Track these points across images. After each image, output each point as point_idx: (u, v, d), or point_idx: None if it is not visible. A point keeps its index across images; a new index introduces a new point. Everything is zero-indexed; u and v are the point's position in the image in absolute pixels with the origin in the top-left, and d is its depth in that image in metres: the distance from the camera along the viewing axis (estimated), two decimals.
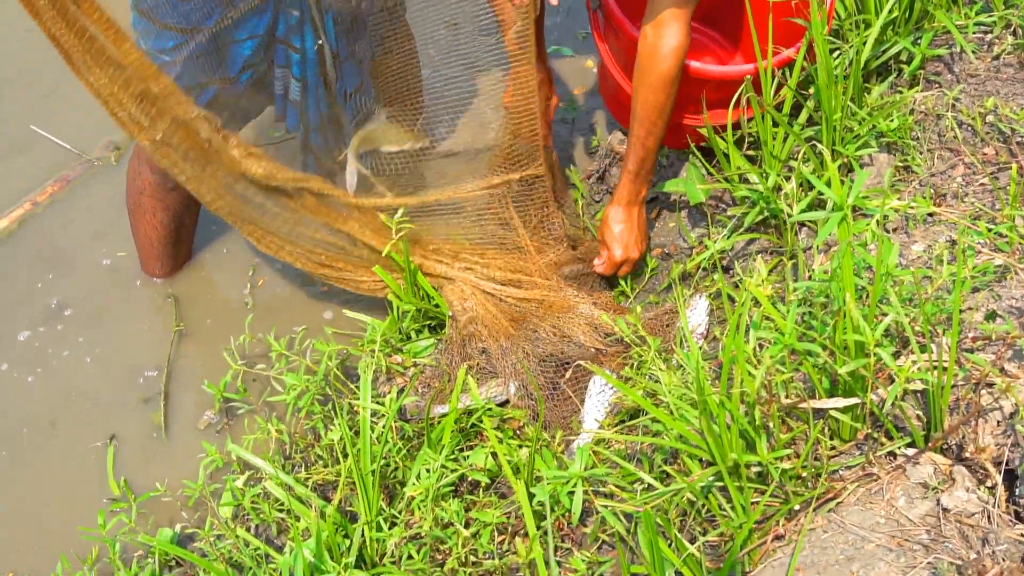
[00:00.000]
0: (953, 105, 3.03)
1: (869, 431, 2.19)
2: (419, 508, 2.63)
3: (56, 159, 3.96)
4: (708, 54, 3.78)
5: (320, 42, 2.92)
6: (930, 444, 2.11)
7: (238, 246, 3.69)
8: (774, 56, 3.02)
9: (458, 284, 3.18)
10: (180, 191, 3.33)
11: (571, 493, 2.48)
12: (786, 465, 2.16)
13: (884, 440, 2.18)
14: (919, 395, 2.21)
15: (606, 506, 2.38)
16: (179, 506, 3.03)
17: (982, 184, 2.84)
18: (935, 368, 2.08)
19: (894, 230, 2.80)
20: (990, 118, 2.96)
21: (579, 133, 3.97)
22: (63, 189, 3.88)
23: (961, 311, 2.28)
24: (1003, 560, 1.86)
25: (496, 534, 2.62)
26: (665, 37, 2.91)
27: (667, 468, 2.41)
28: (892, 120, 2.99)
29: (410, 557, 2.57)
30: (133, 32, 2.90)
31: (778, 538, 2.13)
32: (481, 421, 2.85)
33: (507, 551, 2.59)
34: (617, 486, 2.47)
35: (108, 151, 3.98)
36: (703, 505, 2.29)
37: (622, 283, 3.35)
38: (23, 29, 4.30)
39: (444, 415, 2.78)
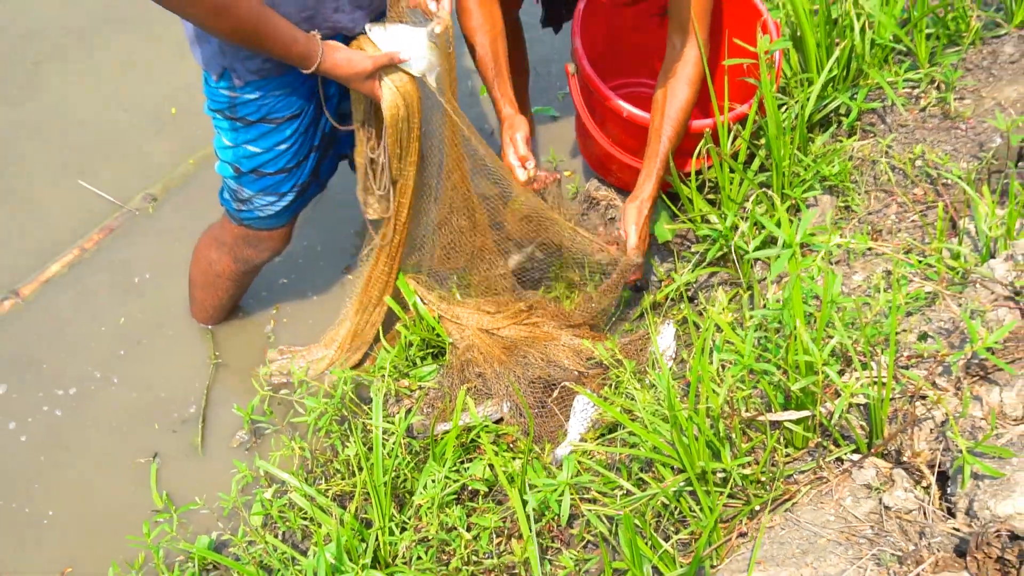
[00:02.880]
0: (886, 152, 3.06)
1: (819, 440, 2.20)
2: (426, 514, 2.64)
3: (100, 210, 3.96)
4: None
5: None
6: (872, 450, 2.13)
7: (263, 289, 3.71)
8: (730, 112, 3.05)
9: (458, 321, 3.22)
10: (254, 273, 3.40)
11: (559, 499, 2.49)
12: (747, 471, 2.18)
13: (832, 447, 2.20)
14: (862, 407, 2.23)
15: (590, 510, 2.40)
16: (215, 516, 3.04)
17: (913, 221, 2.86)
18: (875, 383, 2.10)
19: (837, 263, 2.82)
20: (919, 163, 2.99)
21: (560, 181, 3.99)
22: (107, 236, 3.88)
23: (897, 333, 2.29)
24: (938, 551, 1.88)
25: (494, 536, 2.62)
26: (689, 45, 3.05)
27: (643, 475, 2.42)
28: (834, 166, 3.02)
29: (419, 558, 2.58)
30: (231, 149, 2.89)
31: (741, 535, 2.14)
32: (479, 436, 2.86)
33: (504, 551, 2.59)
34: (600, 492, 2.48)
35: (146, 202, 3.98)
36: (675, 507, 2.30)
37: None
38: (72, 93, 4.37)
39: (446, 432, 2.79)
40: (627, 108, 3.13)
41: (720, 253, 3.05)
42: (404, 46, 2.71)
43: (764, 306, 2.45)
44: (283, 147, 2.86)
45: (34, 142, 4.21)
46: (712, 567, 2.10)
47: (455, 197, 3.11)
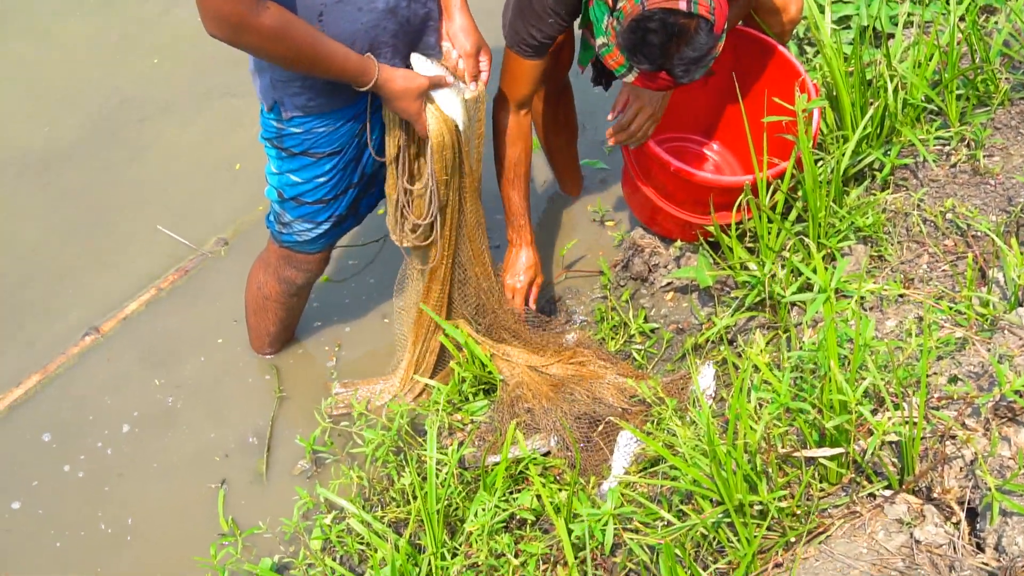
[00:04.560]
0: (918, 205, 3.05)
1: (852, 476, 2.19)
2: (476, 541, 2.64)
3: (177, 253, 4.02)
4: (711, 164, 3.82)
5: None
6: (904, 486, 2.11)
7: (324, 325, 3.75)
8: (769, 167, 3.06)
9: (508, 359, 3.24)
10: (299, 297, 3.43)
11: (603, 528, 2.48)
12: (783, 504, 2.17)
13: (865, 483, 2.18)
14: (894, 445, 2.21)
15: (633, 539, 2.39)
16: (277, 540, 3.05)
17: (944, 270, 2.85)
18: (907, 423, 2.09)
19: (870, 308, 2.81)
20: (949, 216, 2.98)
21: (607, 229, 4.01)
22: (182, 277, 3.94)
23: (928, 375, 2.28)
24: None
25: (541, 563, 2.61)
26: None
27: (683, 507, 2.41)
28: (867, 217, 3.02)
29: None
30: (277, 176, 2.96)
31: (777, 566, 2.13)
32: (528, 468, 2.87)
33: None
34: (642, 522, 2.47)
35: (219, 246, 4.04)
36: (714, 538, 2.29)
37: (638, 357, 3.38)
38: (139, 145, 4.47)
39: (496, 463, 2.79)
40: (674, 162, 3.14)
41: (758, 299, 3.05)
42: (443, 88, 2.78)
43: (800, 348, 2.44)
44: (322, 180, 2.92)
45: (120, 193, 4.31)
46: None
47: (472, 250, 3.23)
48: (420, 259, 3.16)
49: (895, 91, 3.16)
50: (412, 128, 2.82)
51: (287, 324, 3.57)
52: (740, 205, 3.10)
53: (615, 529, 2.48)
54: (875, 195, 3.14)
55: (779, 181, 3.08)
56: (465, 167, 2.98)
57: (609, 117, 3.17)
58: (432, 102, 2.77)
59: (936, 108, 3.23)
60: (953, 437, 2.15)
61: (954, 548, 1.97)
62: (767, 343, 2.95)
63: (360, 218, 3.20)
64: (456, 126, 2.83)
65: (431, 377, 3.35)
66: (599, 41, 2.74)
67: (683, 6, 2.47)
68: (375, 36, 2.66)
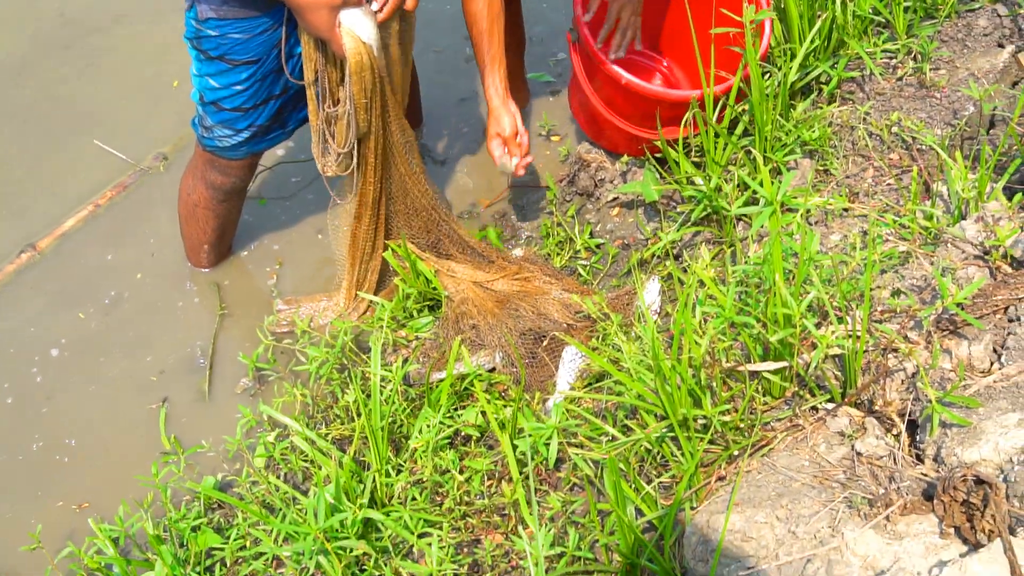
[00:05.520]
0: (864, 118, 3.04)
1: (796, 389, 2.19)
2: (421, 458, 2.64)
3: (114, 168, 3.94)
4: (660, 77, 3.78)
5: None
6: (846, 400, 2.12)
7: (267, 242, 3.69)
8: (717, 81, 3.02)
9: (453, 275, 3.21)
10: (228, 204, 3.36)
11: (548, 443, 2.48)
12: (727, 418, 2.17)
13: (808, 396, 2.19)
14: (837, 359, 2.22)
15: (577, 454, 2.39)
16: (220, 458, 3.03)
17: (889, 184, 2.85)
18: (850, 336, 2.09)
19: (816, 223, 2.80)
20: (895, 129, 2.96)
21: (552, 143, 3.97)
22: (120, 193, 3.86)
23: (871, 289, 2.29)
24: (906, 495, 1.87)
25: (486, 479, 2.62)
26: None
27: (628, 422, 2.41)
28: (814, 131, 3.00)
29: (414, 499, 2.58)
30: (198, 78, 2.91)
31: (720, 479, 2.14)
32: (472, 385, 2.86)
33: (495, 493, 2.59)
34: (587, 437, 2.47)
35: (157, 161, 3.96)
36: (658, 452, 2.30)
37: (583, 272, 3.36)
38: (72, 51, 4.36)
39: (441, 380, 2.78)
40: (625, 75, 3.10)
41: (704, 213, 3.03)
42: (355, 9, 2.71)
43: (745, 262, 2.43)
44: (238, 88, 2.88)
45: (57, 110, 4.21)
46: (692, 508, 2.10)
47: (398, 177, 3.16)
48: (348, 187, 3.10)
49: (843, 3, 3.12)
50: (330, 51, 2.75)
51: (220, 234, 3.51)
52: (687, 120, 3.07)
53: (559, 444, 2.49)
54: (822, 108, 3.12)
55: (728, 95, 3.05)
56: (387, 91, 2.90)
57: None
58: (345, 24, 2.69)
59: (883, 20, 3.20)
60: (895, 350, 2.16)
61: (894, 459, 1.98)
62: (713, 258, 2.94)
63: (289, 131, 3.15)
64: (371, 49, 2.76)
65: (376, 293, 3.31)
66: None
67: None
68: None
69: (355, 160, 2.96)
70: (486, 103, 3.25)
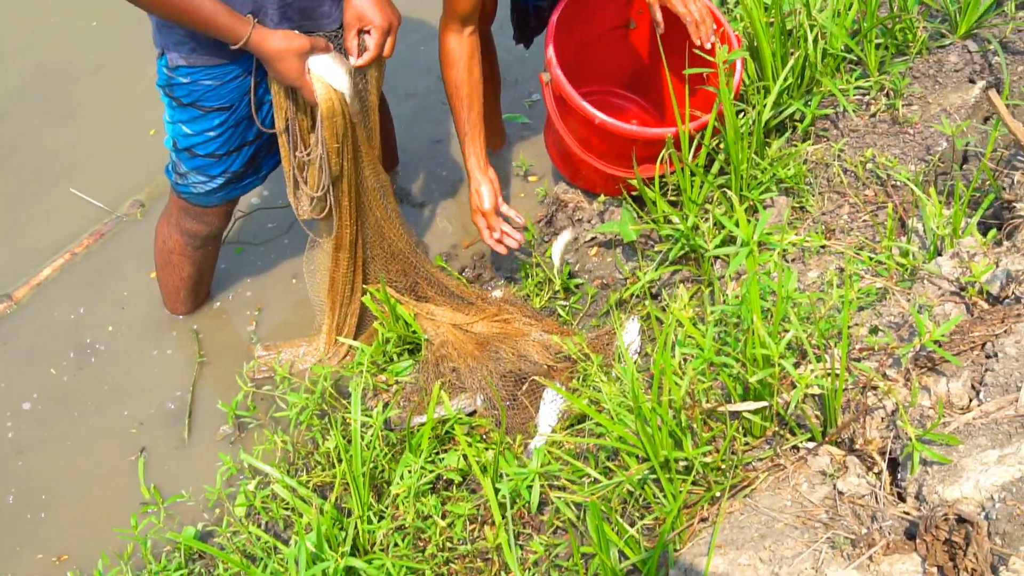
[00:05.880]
0: (839, 155, 3.06)
1: (776, 429, 2.19)
2: (403, 503, 2.62)
3: (91, 216, 3.93)
4: (634, 117, 3.80)
5: None
6: (827, 438, 2.12)
7: (245, 288, 3.68)
8: (691, 120, 3.04)
9: (432, 318, 3.21)
10: (204, 250, 3.35)
11: (530, 487, 2.47)
12: (708, 459, 2.17)
13: (789, 436, 2.19)
14: (817, 398, 2.22)
15: (559, 497, 2.38)
16: (200, 508, 3.02)
17: (864, 220, 2.86)
18: (829, 375, 2.10)
19: (793, 260, 2.81)
20: (869, 166, 2.98)
21: (530, 184, 3.98)
22: (97, 241, 3.85)
23: (849, 327, 2.29)
24: (889, 534, 1.87)
25: (468, 523, 2.60)
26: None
27: (609, 464, 2.41)
28: (789, 169, 3.02)
29: (396, 545, 2.56)
30: (171, 125, 2.91)
31: (702, 520, 2.13)
32: (453, 429, 2.85)
33: (478, 537, 2.57)
34: (568, 480, 2.47)
35: (134, 208, 3.95)
36: (640, 495, 2.29)
37: (563, 313, 3.36)
38: (50, 103, 4.35)
39: (422, 424, 2.77)
40: (599, 115, 3.12)
41: (682, 252, 3.04)
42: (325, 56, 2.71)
43: (724, 302, 2.44)
44: (212, 134, 2.88)
45: (34, 159, 4.20)
46: (675, 551, 2.09)
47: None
48: (325, 230, 3.10)
49: (815, 41, 3.15)
50: (301, 97, 2.76)
51: (196, 280, 3.49)
52: (663, 158, 3.09)
53: (541, 487, 2.48)
54: (796, 146, 3.14)
55: (702, 134, 3.07)
56: (360, 136, 2.91)
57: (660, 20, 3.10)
58: (315, 71, 2.69)
59: (856, 58, 3.23)
60: (874, 388, 2.16)
61: (876, 498, 1.98)
62: (691, 296, 2.95)
63: (263, 177, 3.14)
64: (343, 96, 2.76)
65: (355, 337, 3.31)
66: None
67: None
68: None
69: (330, 202, 2.96)
70: (468, 175, 3.25)
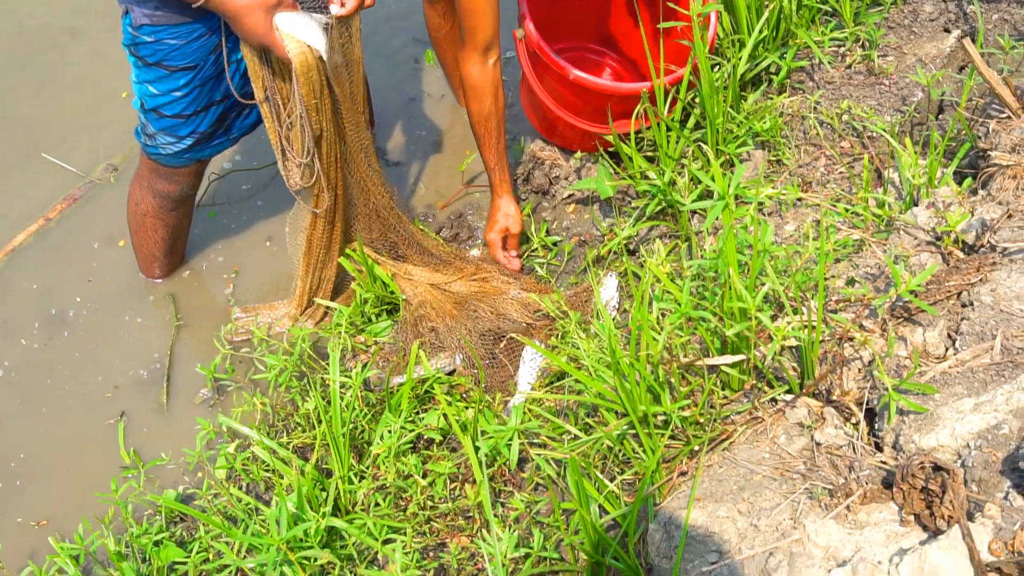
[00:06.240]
0: (815, 108, 3.05)
1: (754, 382, 2.20)
2: (383, 463, 2.63)
3: (64, 181, 3.89)
4: (610, 72, 3.78)
5: None
6: (804, 390, 2.13)
7: (221, 251, 3.66)
8: (667, 74, 3.03)
9: (410, 278, 3.20)
10: (177, 212, 3.32)
11: (509, 445, 2.48)
12: (686, 413, 2.18)
13: (766, 389, 2.20)
14: (794, 350, 2.23)
15: (539, 454, 2.39)
16: (181, 471, 3.01)
17: (841, 172, 2.86)
18: (806, 327, 2.10)
19: (769, 214, 2.82)
20: (845, 117, 2.98)
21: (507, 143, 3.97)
22: (71, 206, 3.81)
23: (826, 279, 2.30)
24: (866, 483, 1.88)
25: (449, 482, 2.61)
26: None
27: (589, 420, 2.41)
28: (765, 122, 3.01)
29: (377, 504, 2.57)
30: (138, 85, 2.88)
31: (682, 474, 2.14)
32: (433, 388, 2.85)
33: (459, 496, 2.58)
34: (548, 437, 2.48)
35: (108, 172, 3.91)
36: (619, 450, 2.30)
37: (541, 271, 3.36)
38: (27, 69, 4.29)
39: (401, 384, 2.77)
40: (573, 71, 3.10)
41: (659, 207, 3.04)
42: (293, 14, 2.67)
43: (701, 256, 2.44)
44: (178, 94, 2.85)
45: (9, 127, 4.15)
46: (655, 505, 2.10)
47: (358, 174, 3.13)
48: (311, 194, 3.06)
49: None
50: (276, 63, 2.72)
51: (170, 243, 3.47)
52: (639, 113, 3.08)
53: (521, 445, 2.49)
54: (772, 99, 3.14)
55: (678, 88, 3.05)
56: (343, 93, 2.88)
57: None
58: (284, 28, 2.63)
59: (830, 9, 3.22)
60: (851, 339, 2.17)
61: (853, 448, 1.99)
62: (669, 252, 2.95)
63: (234, 138, 3.12)
64: (318, 52, 2.71)
65: (334, 299, 3.29)
66: None
67: None
68: None
69: (317, 168, 2.92)
70: (492, 194, 3.36)
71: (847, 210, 2.64)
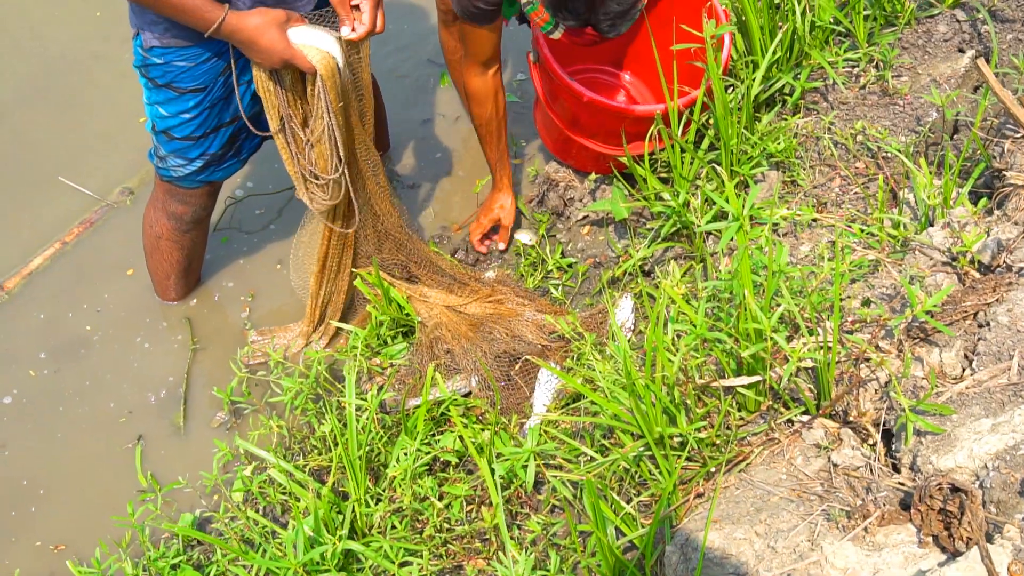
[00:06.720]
0: (829, 128, 3.06)
1: (770, 403, 2.20)
2: (400, 486, 2.63)
3: (80, 204, 3.92)
4: (624, 95, 3.79)
5: None
6: (820, 411, 2.13)
7: (237, 275, 3.68)
8: (680, 96, 3.04)
9: (426, 300, 3.22)
10: (192, 234, 3.34)
11: (525, 467, 2.48)
12: (702, 435, 2.18)
13: (783, 410, 2.20)
14: (810, 371, 2.23)
15: (556, 476, 2.39)
16: (198, 494, 3.02)
17: (855, 193, 2.86)
18: (822, 348, 2.10)
19: (784, 234, 2.82)
20: (860, 138, 2.99)
21: (521, 164, 3.98)
22: (87, 230, 3.84)
23: (841, 300, 2.29)
24: (884, 505, 1.88)
25: (465, 504, 2.61)
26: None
27: (605, 442, 2.42)
28: (779, 143, 3.02)
29: (394, 527, 2.57)
30: (149, 106, 2.91)
31: (699, 495, 2.14)
32: (449, 410, 2.85)
33: (475, 518, 2.59)
34: (564, 459, 2.48)
35: (124, 196, 3.94)
36: (635, 472, 2.30)
37: (556, 292, 3.36)
38: (49, 93, 4.32)
39: (417, 406, 2.78)
40: (587, 93, 3.12)
41: (674, 229, 3.05)
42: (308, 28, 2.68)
43: (716, 278, 2.45)
44: (187, 116, 2.88)
45: (29, 151, 4.17)
46: (672, 527, 2.10)
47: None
48: (329, 215, 3.07)
49: (803, 13, 3.14)
50: (291, 85, 2.73)
51: (185, 265, 3.49)
52: (652, 135, 3.09)
53: (537, 467, 2.49)
54: (786, 120, 3.14)
55: (692, 110, 3.07)
56: (352, 113, 2.88)
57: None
58: (301, 42, 2.63)
59: (844, 29, 3.23)
60: (867, 360, 2.17)
61: (871, 470, 1.99)
62: (684, 273, 2.95)
63: (244, 159, 3.14)
64: (336, 60, 2.70)
65: (348, 321, 3.31)
66: None
67: None
68: None
69: (345, 182, 2.92)
70: (492, 187, 3.56)
71: (862, 231, 2.64)
